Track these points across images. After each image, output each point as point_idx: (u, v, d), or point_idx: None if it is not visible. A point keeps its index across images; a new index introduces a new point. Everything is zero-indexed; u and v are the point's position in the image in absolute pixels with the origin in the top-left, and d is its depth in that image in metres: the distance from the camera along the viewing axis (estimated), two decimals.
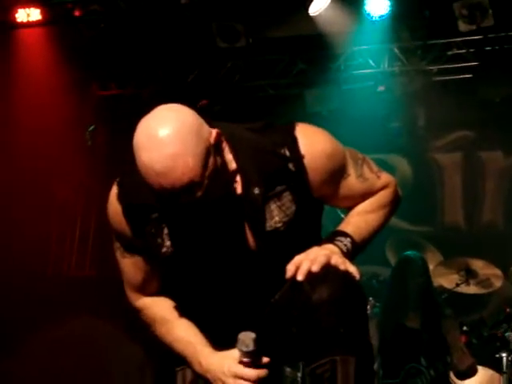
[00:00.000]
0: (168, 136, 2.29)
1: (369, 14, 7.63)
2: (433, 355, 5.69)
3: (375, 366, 5.76)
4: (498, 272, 6.82)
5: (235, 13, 7.87)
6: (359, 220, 2.77)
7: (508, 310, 6.23)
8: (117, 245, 2.74)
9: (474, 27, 7.55)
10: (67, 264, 7.88)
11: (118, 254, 2.75)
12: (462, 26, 7.57)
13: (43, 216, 7.39)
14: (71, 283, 7.41)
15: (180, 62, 8.56)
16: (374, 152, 8.67)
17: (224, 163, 2.44)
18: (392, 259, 7.28)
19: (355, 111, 8.39)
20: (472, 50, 8.14)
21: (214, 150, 2.39)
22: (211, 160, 2.36)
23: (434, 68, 8.36)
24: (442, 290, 6.81)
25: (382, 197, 2.84)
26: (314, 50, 8.39)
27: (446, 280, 6.88)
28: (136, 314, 2.83)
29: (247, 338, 2.44)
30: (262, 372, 2.48)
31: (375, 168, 2.87)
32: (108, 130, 8.31)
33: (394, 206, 2.90)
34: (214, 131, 2.43)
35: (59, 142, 7.47)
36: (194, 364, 2.64)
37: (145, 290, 2.78)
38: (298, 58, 8.60)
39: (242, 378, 2.47)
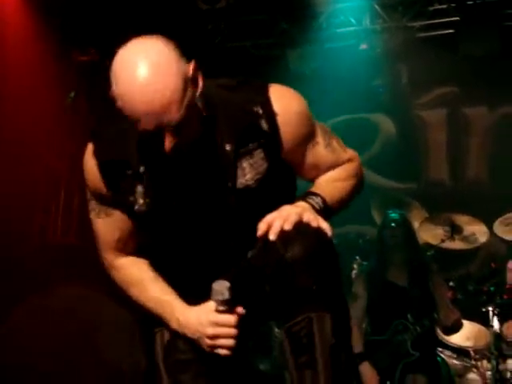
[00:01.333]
0: (148, 59, 2.32)
1: None
2: (420, 311, 5.72)
3: (363, 325, 5.80)
4: (483, 227, 6.84)
5: None
6: (328, 185, 2.74)
7: (493, 264, 6.27)
8: (92, 205, 2.72)
9: None
10: (52, 232, 7.85)
11: (93, 214, 2.73)
12: None
13: (28, 185, 7.35)
14: (56, 252, 7.39)
15: (161, 24, 8.47)
16: (358, 111, 8.75)
17: (197, 105, 2.43)
18: (377, 218, 7.28)
19: (338, 70, 8.35)
20: (453, 5, 8.08)
21: (191, 82, 2.40)
22: (189, 90, 2.37)
23: (416, 24, 8.29)
24: (428, 246, 6.84)
25: (349, 168, 2.84)
26: (296, 9, 8.30)
27: (432, 236, 6.91)
28: (112, 277, 2.81)
29: (222, 287, 2.45)
30: (239, 315, 2.50)
31: (341, 143, 2.90)
32: (89, 95, 8.22)
33: (360, 181, 2.88)
34: (192, 63, 2.44)
35: (41, 110, 7.40)
36: (172, 322, 2.65)
37: (121, 249, 2.76)
38: (279, 18, 8.51)
39: (220, 324, 2.49)
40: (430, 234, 6.95)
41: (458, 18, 8.12)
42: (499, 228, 6.79)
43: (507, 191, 7.74)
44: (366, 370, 5.31)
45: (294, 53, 8.47)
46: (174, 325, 2.65)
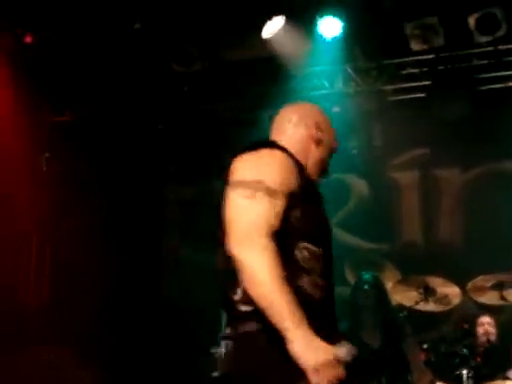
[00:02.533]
0: None
1: (322, 36, 7.67)
2: (393, 373, 5.68)
3: None
4: (456, 289, 6.84)
5: (190, 36, 7.87)
6: None
7: (466, 326, 6.26)
8: (271, 186, 2.68)
9: (426, 47, 7.64)
10: (23, 293, 7.76)
11: (265, 194, 2.66)
12: (415, 46, 7.65)
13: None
14: (27, 312, 7.31)
15: (136, 87, 8.53)
16: (333, 172, 8.78)
17: None
18: (351, 278, 7.29)
19: None
20: (425, 70, 8.23)
21: None
22: None
23: (389, 88, 8.42)
24: (401, 307, 6.82)
25: None
26: (269, 73, 8.41)
27: (405, 298, 6.89)
28: (259, 256, 2.56)
29: (351, 350, 2.64)
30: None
31: None
32: (62, 156, 8.22)
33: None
34: None
35: (13, 172, 7.38)
36: (299, 329, 2.47)
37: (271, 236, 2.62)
38: (253, 81, 8.61)
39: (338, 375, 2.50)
40: (403, 295, 6.93)
41: (429, 82, 8.26)
42: (472, 290, 6.80)
43: (479, 253, 7.79)
44: None
45: (267, 115, 8.53)
46: (299, 332, 2.47)
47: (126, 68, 8.04)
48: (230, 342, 2.62)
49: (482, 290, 6.67)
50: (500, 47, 7.75)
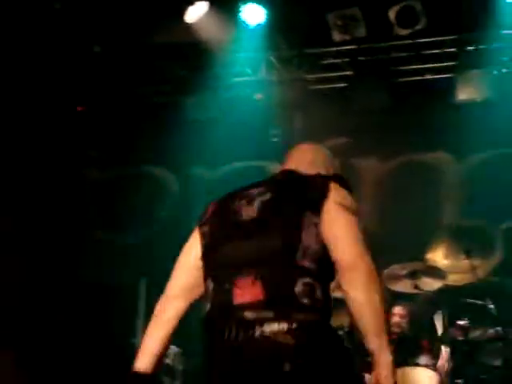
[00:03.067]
0: None
1: (245, 22, 7.67)
2: None
3: None
4: None
5: (112, 17, 7.75)
6: None
7: None
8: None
9: (347, 37, 7.71)
10: None
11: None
12: (337, 36, 7.72)
13: None
14: None
15: (56, 68, 8.36)
16: (254, 159, 8.82)
17: None
18: None
19: (234, 118, 8.44)
20: (346, 60, 8.32)
21: None
22: None
23: (310, 77, 8.49)
24: None
25: None
26: (192, 57, 8.37)
27: None
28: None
29: None
30: None
31: None
32: None
33: None
34: None
35: None
36: (389, 348, 2.66)
37: None
38: (175, 65, 8.55)
39: None
40: None
41: (350, 73, 8.36)
42: (386, 278, 6.91)
43: (394, 242, 7.93)
44: None
45: (189, 100, 8.51)
46: (389, 349, 2.65)
47: (46, 49, 7.87)
48: (296, 332, 2.58)
49: (396, 278, 6.78)
50: (419, 40, 7.90)
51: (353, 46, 8.08)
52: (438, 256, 6.79)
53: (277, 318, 2.59)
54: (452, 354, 6.06)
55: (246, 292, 2.66)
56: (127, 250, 8.63)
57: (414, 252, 7.23)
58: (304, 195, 2.83)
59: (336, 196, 2.83)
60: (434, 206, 8.19)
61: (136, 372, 2.83)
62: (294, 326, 2.59)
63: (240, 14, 7.65)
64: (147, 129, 8.80)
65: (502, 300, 6.24)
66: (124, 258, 8.40)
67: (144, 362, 2.84)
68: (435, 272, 6.49)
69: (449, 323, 6.27)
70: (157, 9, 7.58)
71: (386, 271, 6.92)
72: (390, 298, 7.08)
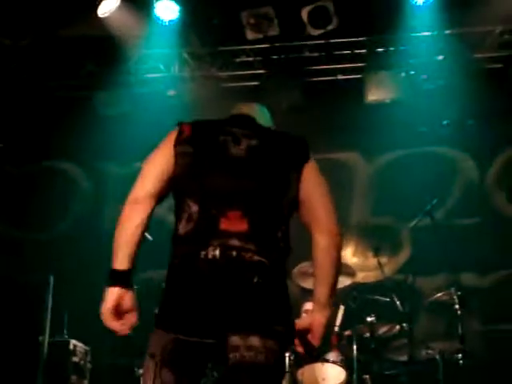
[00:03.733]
0: None
1: (158, 18, 7.62)
2: None
3: None
4: None
5: (22, 10, 7.58)
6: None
7: None
8: None
9: (260, 36, 7.76)
10: None
11: None
12: (250, 35, 7.76)
13: None
14: None
15: None
16: None
17: None
18: None
19: (146, 115, 8.37)
20: (259, 58, 8.36)
21: None
22: None
23: (223, 74, 8.50)
24: None
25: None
26: (104, 52, 8.27)
27: None
28: None
29: None
30: None
31: None
32: None
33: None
34: None
35: None
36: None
37: None
38: (86, 60, 8.43)
39: None
40: None
41: (263, 71, 8.41)
42: (297, 275, 6.99)
43: (304, 240, 8.01)
44: None
45: (101, 96, 8.40)
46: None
47: None
48: (266, 268, 3.00)
49: (305, 275, 6.85)
50: (330, 41, 8.01)
51: (266, 45, 8.13)
52: (347, 254, 6.87)
53: (257, 252, 2.98)
54: (359, 350, 6.17)
55: (234, 223, 2.99)
56: (37, 247, 8.47)
57: None
58: (288, 152, 3.22)
59: (313, 163, 3.31)
60: (343, 205, 8.31)
61: (116, 269, 3.02)
62: (269, 261, 3.01)
63: (153, 9, 7.59)
64: (58, 124, 8.65)
65: (409, 297, 6.38)
66: (34, 255, 8.24)
67: (122, 262, 3.03)
68: (344, 269, 6.59)
69: (357, 320, 6.38)
70: (69, 1, 7.46)
71: (295, 269, 6.99)
72: (300, 295, 7.16)
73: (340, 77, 8.43)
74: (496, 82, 7.98)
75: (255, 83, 8.53)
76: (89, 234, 8.46)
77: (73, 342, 7.05)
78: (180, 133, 3.20)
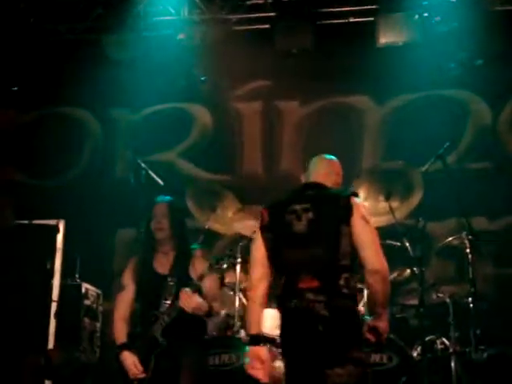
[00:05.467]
0: None
1: None
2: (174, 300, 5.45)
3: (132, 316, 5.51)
4: None
5: None
6: None
7: None
8: None
9: None
10: None
11: None
12: None
13: None
14: None
15: None
16: (175, 100, 8.74)
17: None
18: (192, 208, 7.29)
19: (156, 59, 8.32)
20: (270, 1, 8.27)
21: None
22: None
23: (234, 17, 8.41)
24: (240, 236, 6.94)
25: None
26: None
27: (244, 227, 7.02)
28: None
29: None
30: None
31: None
32: None
33: None
34: None
35: None
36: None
37: None
38: (96, 2, 8.35)
39: None
40: (242, 225, 7.06)
41: (273, 14, 8.31)
42: None
43: None
44: (128, 357, 5.17)
45: (110, 39, 8.33)
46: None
47: None
48: (328, 311, 3.96)
49: None
50: None
51: None
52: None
53: (325, 303, 3.96)
54: None
55: (307, 283, 4.01)
56: (48, 193, 8.50)
57: None
58: (337, 212, 4.08)
59: (358, 211, 4.08)
60: (354, 150, 8.28)
61: (259, 335, 4.32)
62: (333, 308, 3.98)
63: None
64: (67, 68, 8.59)
65: (420, 241, 6.37)
66: (45, 201, 8.26)
67: (257, 329, 4.31)
68: None
69: None
70: None
71: None
72: None
73: (352, 19, 8.32)
74: (509, 24, 7.86)
75: (266, 26, 8.44)
76: (100, 180, 8.48)
77: (85, 285, 7.16)
78: (261, 220, 4.28)
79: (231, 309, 6.56)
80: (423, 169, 6.49)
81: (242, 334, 6.27)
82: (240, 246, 6.77)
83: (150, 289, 5.16)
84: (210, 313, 5.12)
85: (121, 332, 5.18)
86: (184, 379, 4.94)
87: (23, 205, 8.21)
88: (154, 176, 6.35)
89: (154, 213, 5.36)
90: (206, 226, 6.89)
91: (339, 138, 8.21)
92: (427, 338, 6.00)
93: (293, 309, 4.03)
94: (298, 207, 4.16)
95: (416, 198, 6.63)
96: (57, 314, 6.69)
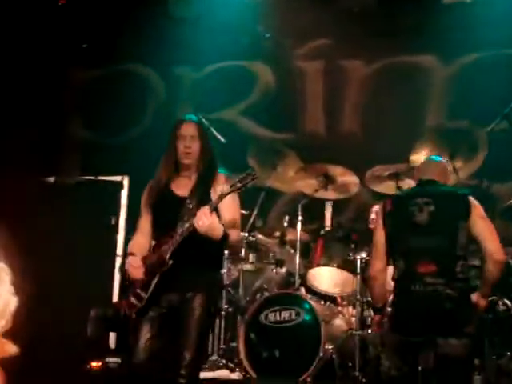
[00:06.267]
0: None
1: None
2: None
3: None
4: (355, 179, 7.03)
5: None
6: None
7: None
8: None
9: None
10: None
11: None
12: None
13: None
14: None
15: None
16: (238, 58, 8.74)
17: None
18: (254, 165, 7.34)
19: (219, 17, 8.31)
20: None
21: None
22: None
23: None
24: (302, 195, 6.97)
25: None
26: None
27: (306, 185, 7.05)
28: None
29: None
30: None
31: None
32: None
33: None
34: None
35: None
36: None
37: None
38: None
39: None
40: (304, 183, 7.09)
41: None
42: (369, 179, 6.98)
43: (379, 144, 7.97)
44: (131, 260, 4.56)
45: None
46: None
47: None
48: (454, 292, 4.49)
49: (379, 179, 6.86)
50: None
51: None
52: (422, 158, 6.80)
53: (445, 284, 4.48)
54: None
55: (426, 267, 4.52)
56: (112, 150, 8.61)
57: (398, 154, 7.27)
58: (456, 208, 4.65)
59: (476, 210, 4.62)
60: (418, 109, 8.19)
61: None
62: (455, 289, 4.51)
63: None
64: (131, 27, 8.64)
65: (483, 202, 6.32)
66: (109, 158, 8.38)
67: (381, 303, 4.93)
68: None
69: None
70: None
71: (369, 172, 6.98)
72: (371, 198, 7.17)
73: None
74: None
75: None
76: (163, 136, 8.55)
77: None
78: (384, 207, 4.78)
79: (292, 266, 6.63)
80: (488, 128, 6.39)
81: (302, 291, 6.34)
82: (301, 205, 6.80)
83: (166, 211, 4.64)
84: (225, 239, 4.40)
85: (135, 245, 4.76)
86: (189, 317, 4.38)
87: (89, 161, 8.37)
88: (216, 133, 6.38)
89: (181, 133, 4.77)
90: (267, 184, 6.94)
91: (403, 97, 8.13)
92: (489, 299, 5.96)
93: (416, 290, 4.50)
94: (419, 200, 4.66)
95: (480, 158, 6.56)
96: (121, 269, 6.83)
